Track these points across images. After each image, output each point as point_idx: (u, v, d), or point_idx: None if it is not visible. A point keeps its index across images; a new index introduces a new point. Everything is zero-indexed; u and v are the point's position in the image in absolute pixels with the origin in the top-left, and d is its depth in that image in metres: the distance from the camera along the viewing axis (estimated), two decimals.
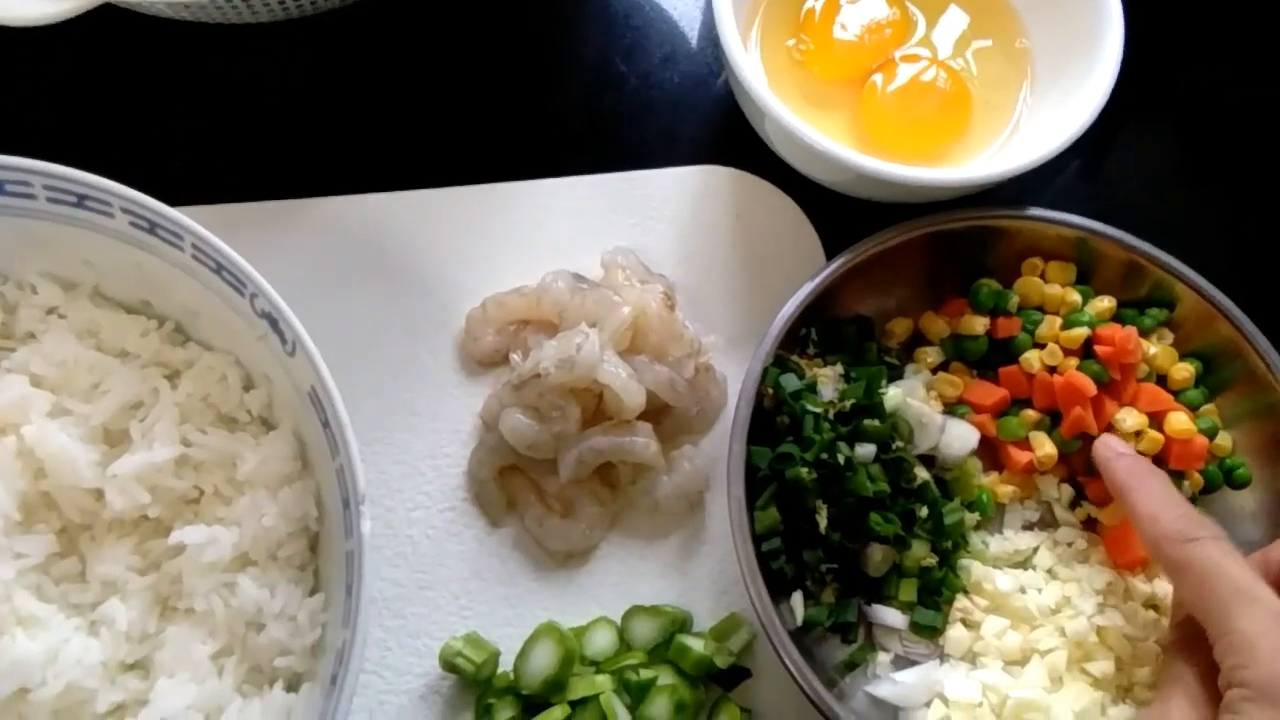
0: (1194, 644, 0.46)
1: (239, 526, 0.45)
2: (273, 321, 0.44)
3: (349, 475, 0.42)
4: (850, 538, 0.52)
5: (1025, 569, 0.55)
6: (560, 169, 0.64)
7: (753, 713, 0.54)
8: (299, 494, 0.46)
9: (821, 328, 0.57)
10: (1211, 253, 0.59)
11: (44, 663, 0.42)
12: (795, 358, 0.56)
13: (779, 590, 0.52)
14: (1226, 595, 0.42)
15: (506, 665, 0.54)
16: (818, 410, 0.52)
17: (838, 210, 0.61)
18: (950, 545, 0.54)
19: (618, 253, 0.60)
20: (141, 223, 0.45)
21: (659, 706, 0.52)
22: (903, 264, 0.58)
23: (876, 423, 0.52)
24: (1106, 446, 0.53)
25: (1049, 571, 0.55)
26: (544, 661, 0.52)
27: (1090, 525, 0.57)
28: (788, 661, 0.49)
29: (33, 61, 0.64)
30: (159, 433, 0.46)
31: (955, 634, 0.53)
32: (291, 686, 0.44)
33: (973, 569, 0.54)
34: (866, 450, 0.52)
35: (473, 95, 0.66)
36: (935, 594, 0.54)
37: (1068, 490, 0.58)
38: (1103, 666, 0.51)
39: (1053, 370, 0.57)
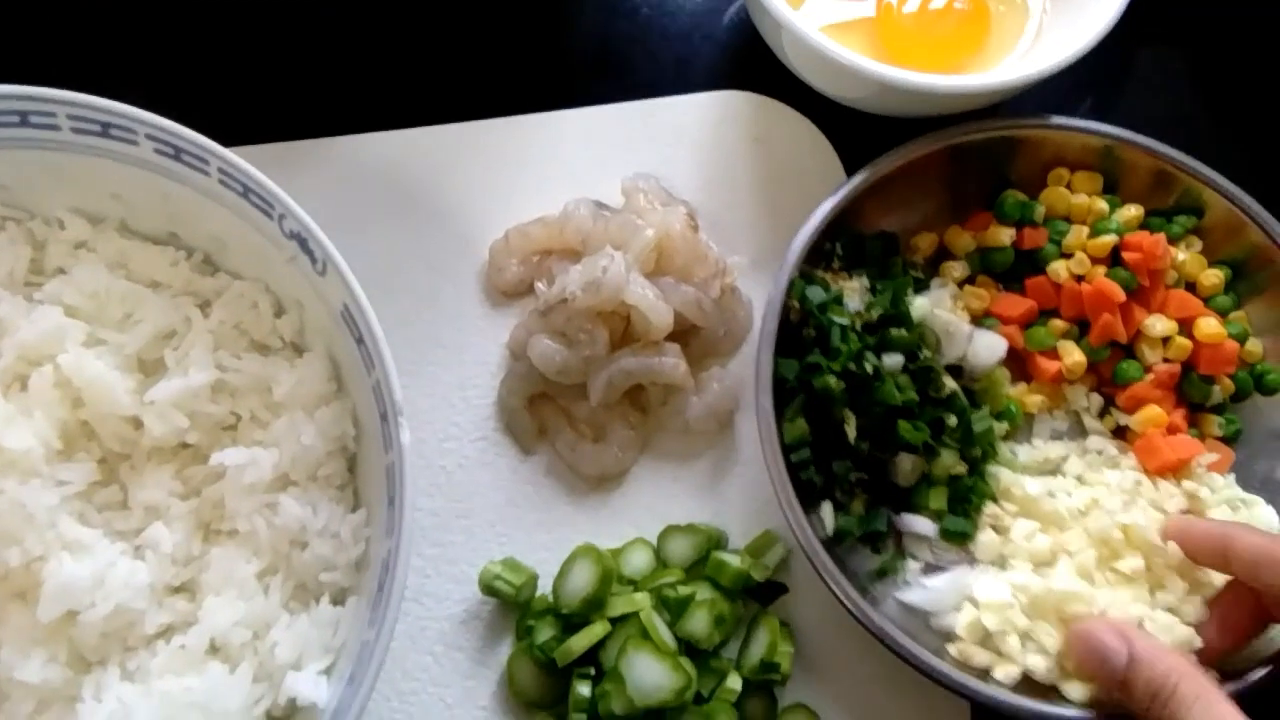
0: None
1: (278, 448, 0.45)
2: (302, 242, 0.44)
3: (386, 389, 0.42)
4: (879, 447, 0.52)
5: (1055, 476, 0.55)
6: (576, 100, 0.64)
7: (790, 626, 0.55)
8: (336, 414, 0.47)
9: (846, 243, 0.57)
10: (1237, 173, 0.58)
11: (92, 586, 0.42)
12: (820, 272, 0.56)
13: (809, 501, 0.52)
14: None
15: (545, 589, 0.55)
16: (844, 321, 0.52)
17: (857, 131, 0.61)
18: (979, 454, 0.54)
19: (638, 178, 0.60)
20: (166, 149, 0.45)
21: (698, 620, 0.52)
22: (926, 178, 0.58)
23: (903, 332, 0.52)
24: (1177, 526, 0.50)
25: (1079, 478, 0.55)
26: (582, 581, 0.53)
27: (1120, 434, 0.57)
28: (820, 569, 0.49)
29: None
30: (194, 359, 0.46)
31: (985, 539, 0.53)
32: (337, 601, 0.45)
33: (1001, 475, 0.54)
34: (894, 360, 0.52)
35: (488, 28, 0.66)
36: (964, 502, 0.54)
37: (1097, 399, 0.57)
38: (1132, 563, 0.51)
39: (1080, 280, 0.57)
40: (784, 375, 0.52)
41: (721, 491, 0.57)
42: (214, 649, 0.43)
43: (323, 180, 0.61)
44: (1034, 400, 0.56)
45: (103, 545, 0.44)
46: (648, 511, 0.57)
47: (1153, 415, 0.55)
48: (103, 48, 0.64)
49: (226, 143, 0.59)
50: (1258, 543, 0.44)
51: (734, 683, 0.52)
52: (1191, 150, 0.58)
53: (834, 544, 0.52)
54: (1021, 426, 0.57)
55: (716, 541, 0.55)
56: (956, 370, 0.56)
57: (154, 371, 0.47)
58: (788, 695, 0.54)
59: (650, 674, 0.50)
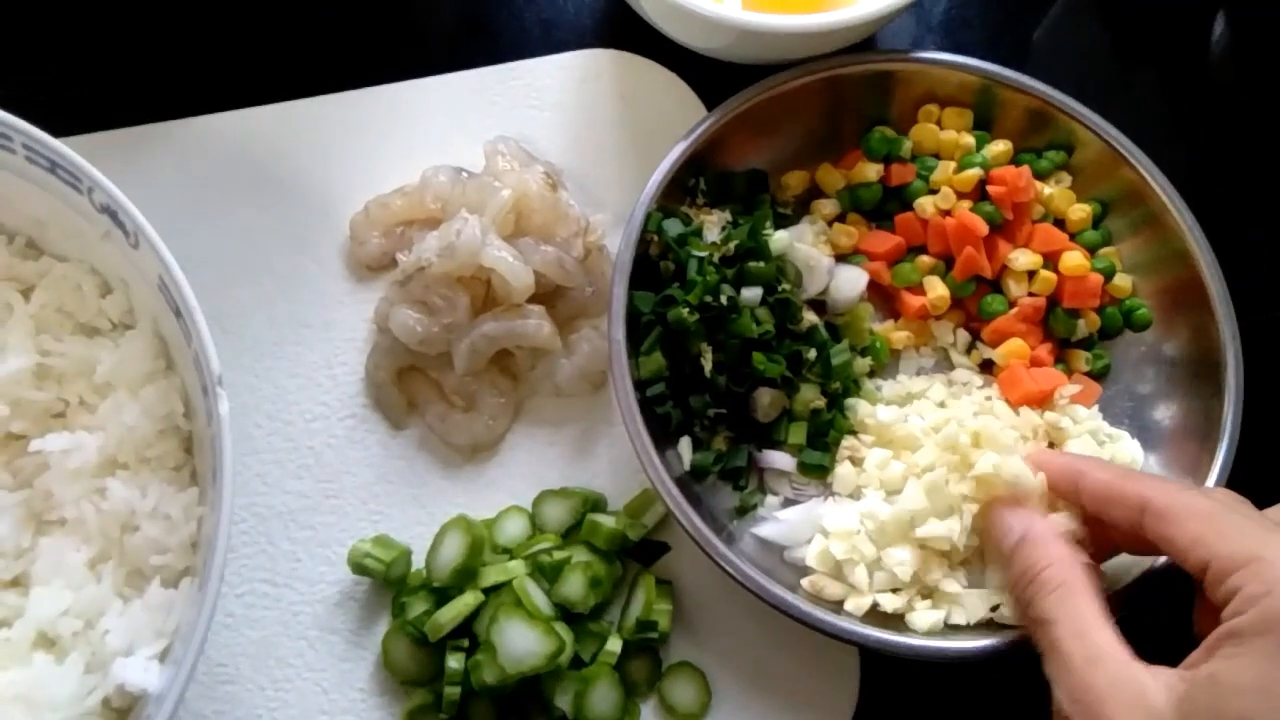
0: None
1: (103, 430, 0.44)
2: (113, 215, 0.43)
3: (204, 358, 0.41)
4: (737, 381, 0.52)
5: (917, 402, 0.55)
6: (440, 67, 0.63)
7: (673, 585, 0.53)
8: (162, 391, 0.45)
9: (711, 178, 0.56)
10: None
11: None
12: (684, 208, 0.55)
13: (668, 438, 0.52)
14: (1249, 532, 0.39)
15: (420, 565, 0.53)
16: (702, 254, 0.52)
17: (724, 84, 0.60)
18: (839, 388, 0.54)
19: (499, 141, 0.59)
20: None
21: (573, 583, 0.51)
22: (796, 114, 0.57)
23: (761, 265, 0.52)
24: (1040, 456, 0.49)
25: (940, 404, 0.54)
26: (452, 552, 0.51)
27: (987, 369, 0.56)
28: (668, 501, 0.49)
29: None
30: (12, 344, 0.44)
31: (842, 471, 0.53)
32: (171, 584, 0.43)
33: (858, 407, 0.54)
34: (752, 293, 0.51)
35: None
36: (823, 436, 0.53)
37: (964, 335, 0.57)
38: (984, 463, 0.49)
39: (947, 215, 0.56)
40: (640, 308, 0.52)
41: (598, 454, 0.56)
42: (47, 641, 0.42)
43: (174, 164, 0.59)
44: (900, 336, 0.56)
45: None
46: (524, 479, 0.56)
47: (1015, 348, 0.55)
48: None
49: (67, 131, 0.58)
50: (1106, 479, 0.44)
51: (614, 645, 0.51)
52: (1084, 91, 0.57)
53: (694, 480, 0.52)
54: (889, 363, 0.56)
55: (593, 504, 0.54)
56: (820, 305, 0.55)
57: None
58: (673, 654, 0.53)
59: (521, 640, 0.48)
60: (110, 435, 0.43)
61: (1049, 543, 0.44)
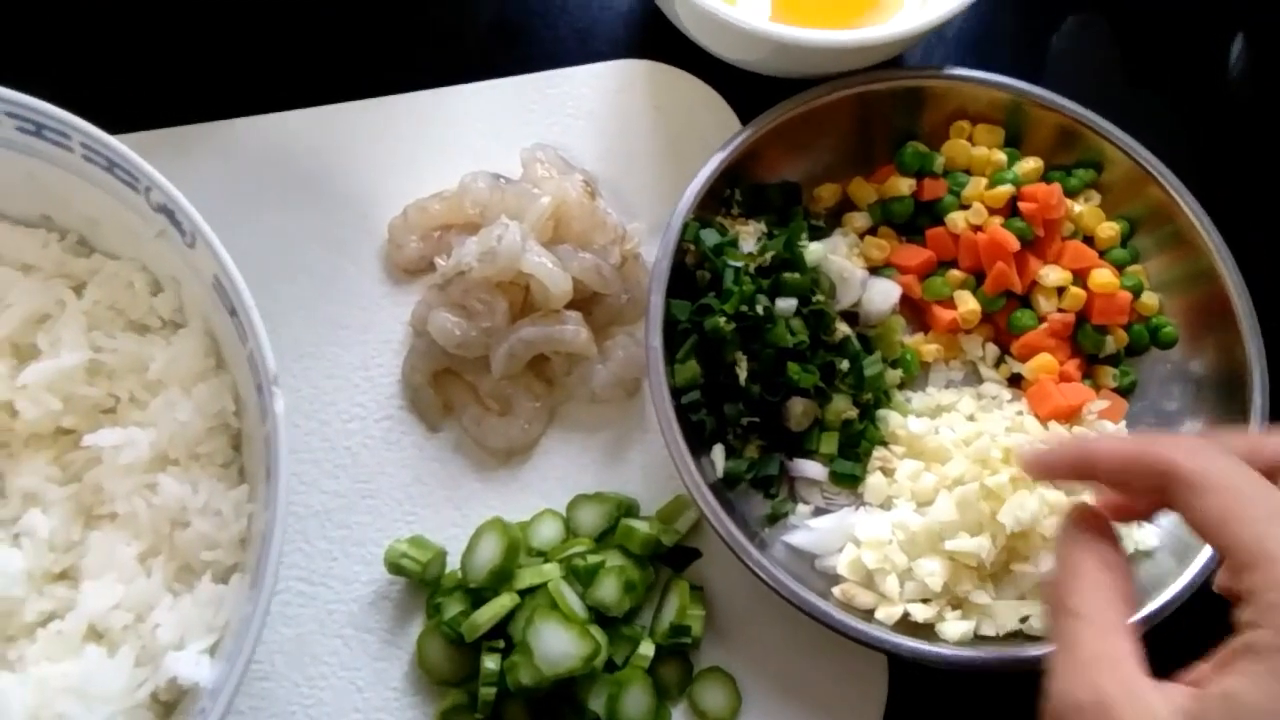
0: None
1: (155, 427, 0.44)
2: (170, 214, 0.43)
3: (259, 358, 0.41)
4: (771, 391, 0.52)
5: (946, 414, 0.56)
6: (475, 74, 0.64)
7: (704, 590, 0.54)
8: (214, 389, 0.46)
9: (746, 190, 0.57)
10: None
11: None
12: (720, 218, 0.56)
13: (701, 445, 0.53)
14: (1264, 514, 0.35)
15: (454, 566, 0.54)
16: (738, 264, 0.53)
17: (759, 96, 0.61)
18: (871, 399, 0.54)
19: (536, 148, 0.60)
20: (27, 125, 0.44)
21: (608, 587, 0.51)
22: (829, 128, 0.58)
23: (797, 275, 0.52)
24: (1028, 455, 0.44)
25: (969, 417, 0.55)
26: (489, 554, 0.52)
27: (1015, 383, 0.57)
28: (704, 507, 0.49)
29: None
30: (66, 340, 0.45)
31: (874, 481, 0.53)
32: (221, 579, 0.44)
33: (890, 418, 0.54)
34: (787, 303, 0.52)
35: (383, 4, 0.65)
36: (855, 446, 0.54)
37: (992, 349, 0.58)
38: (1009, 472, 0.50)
39: (978, 230, 0.57)
40: (676, 316, 0.52)
41: (631, 459, 0.57)
42: (96, 634, 0.42)
43: (217, 164, 0.60)
44: (930, 349, 0.57)
45: None
46: (557, 483, 0.56)
47: (1045, 363, 0.56)
48: None
49: (115, 129, 0.58)
50: (1118, 446, 0.40)
51: (646, 649, 0.52)
52: (1102, 109, 0.58)
53: (726, 488, 0.52)
54: (918, 375, 0.57)
55: (626, 509, 0.55)
56: (852, 317, 0.56)
57: (27, 357, 0.46)
58: (704, 660, 0.54)
59: (557, 643, 0.49)
60: (162, 431, 0.44)
61: (1102, 538, 0.40)
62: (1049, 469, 0.43)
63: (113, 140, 0.43)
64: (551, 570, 0.52)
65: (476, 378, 0.57)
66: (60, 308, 0.46)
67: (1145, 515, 0.44)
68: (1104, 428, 0.54)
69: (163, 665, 0.41)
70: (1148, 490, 0.39)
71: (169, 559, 0.44)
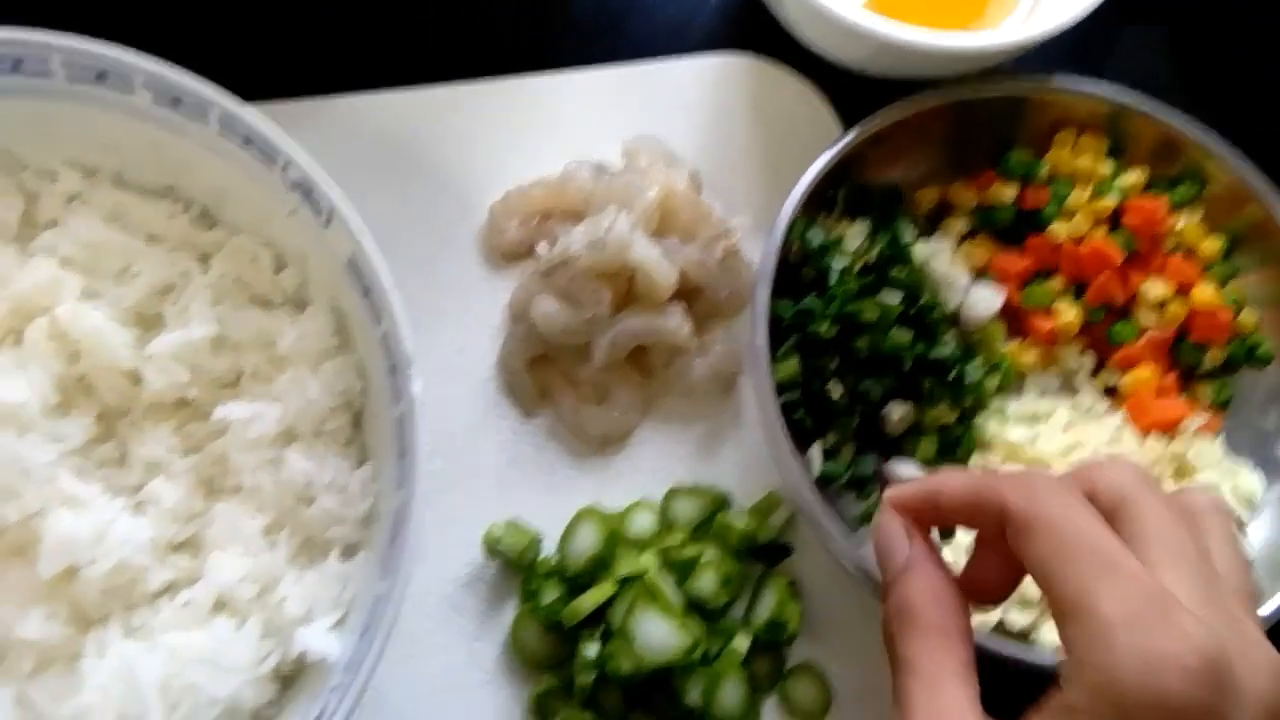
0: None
1: (282, 402, 0.44)
2: (306, 192, 0.43)
3: (395, 340, 0.41)
4: (870, 393, 0.52)
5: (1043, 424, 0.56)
6: (572, 61, 0.63)
7: (797, 586, 0.54)
8: (340, 368, 0.46)
9: (849, 191, 0.57)
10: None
11: (92, 542, 0.41)
12: (823, 218, 0.56)
13: (798, 445, 0.52)
14: (1086, 558, 0.33)
15: (547, 553, 0.54)
16: (843, 264, 0.53)
17: (857, 96, 0.61)
18: (970, 404, 0.55)
19: (640, 139, 0.60)
20: (164, 97, 0.44)
21: (706, 580, 0.52)
22: (929, 133, 0.58)
23: (904, 271, 0.53)
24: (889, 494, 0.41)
25: (1065, 427, 0.55)
26: (588, 541, 0.52)
27: (1110, 395, 0.57)
28: (807, 505, 0.50)
29: None
30: (194, 312, 0.45)
31: None
32: (346, 556, 0.44)
33: (988, 425, 0.55)
34: (892, 299, 0.52)
35: None
36: (952, 451, 0.54)
37: (1089, 359, 0.58)
38: None
39: (1079, 241, 0.57)
40: (780, 315, 0.53)
41: (724, 454, 0.57)
42: (219, 605, 0.42)
43: (315, 142, 0.57)
44: (1027, 358, 0.57)
45: (102, 501, 0.42)
46: (651, 474, 0.56)
47: (1144, 376, 0.56)
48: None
49: None
50: (959, 485, 0.38)
51: (741, 643, 0.52)
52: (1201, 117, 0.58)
53: (820, 488, 0.53)
54: (1014, 383, 0.57)
55: (721, 502, 0.55)
56: (952, 321, 0.56)
57: (152, 326, 0.46)
58: (794, 656, 0.54)
59: (658, 633, 0.49)
60: (289, 407, 0.44)
61: (935, 575, 0.38)
62: (902, 505, 0.40)
63: (253, 114, 0.43)
64: (648, 561, 0.52)
65: (574, 366, 0.57)
66: (186, 279, 0.46)
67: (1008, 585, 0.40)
68: (1202, 443, 0.55)
69: (293, 639, 0.41)
70: (990, 533, 0.38)
71: (293, 534, 0.44)
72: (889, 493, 0.41)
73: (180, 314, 0.45)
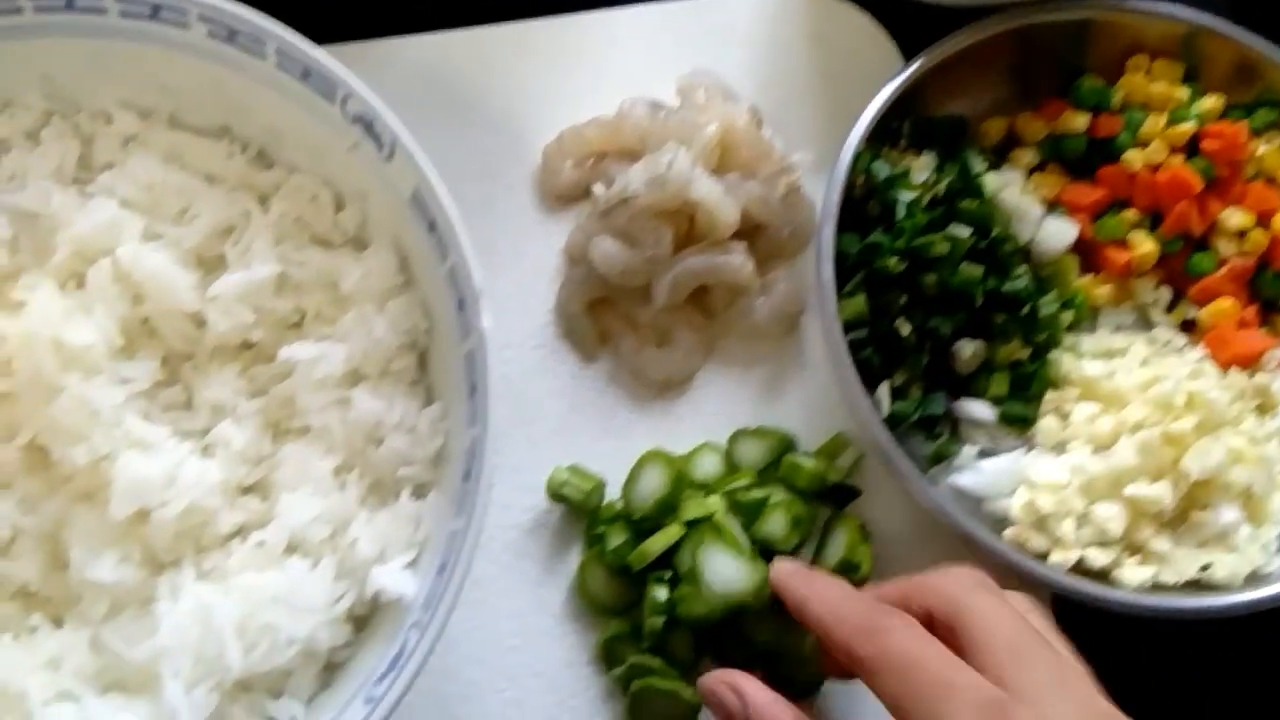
0: None
1: (347, 342, 0.44)
2: (367, 125, 0.42)
3: (463, 273, 0.40)
4: (939, 329, 0.51)
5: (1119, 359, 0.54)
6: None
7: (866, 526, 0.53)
8: (406, 306, 0.45)
9: (914, 123, 0.55)
10: None
11: (163, 484, 0.41)
12: (888, 150, 0.55)
13: (866, 383, 0.51)
14: (926, 688, 0.35)
15: (610, 497, 0.53)
16: (910, 196, 0.51)
17: (918, 27, 0.59)
18: (1043, 339, 0.53)
19: (696, 74, 0.58)
20: (220, 31, 0.43)
21: (775, 522, 0.51)
22: (996, 63, 0.56)
23: (975, 203, 0.51)
24: (775, 570, 0.46)
25: (1143, 362, 0.53)
26: (654, 484, 0.51)
27: (1187, 329, 0.55)
28: (881, 443, 0.48)
29: None
30: (256, 252, 0.44)
31: (1046, 424, 0.52)
32: (418, 496, 0.43)
33: (1062, 360, 0.53)
34: (963, 232, 0.50)
35: None
36: (1025, 388, 0.53)
37: (1165, 293, 0.56)
38: (1188, 420, 0.49)
39: (1155, 170, 0.55)
40: (846, 250, 0.51)
41: (789, 395, 0.56)
42: (292, 548, 0.42)
43: (369, 84, 0.58)
44: (1101, 292, 0.55)
45: (171, 444, 0.42)
46: (714, 417, 0.55)
47: (1225, 308, 0.54)
48: None
49: None
50: (825, 608, 0.41)
51: None
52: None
53: (889, 427, 0.51)
54: (1088, 318, 0.55)
55: (788, 444, 0.54)
56: (1024, 255, 0.54)
57: (214, 268, 0.45)
58: None
59: (729, 572, 0.49)
60: (355, 347, 0.43)
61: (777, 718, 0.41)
62: (782, 589, 0.44)
63: (311, 47, 0.42)
64: (715, 503, 0.51)
65: (635, 308, 0.56)
66: (246, 219, 0.46)
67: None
68: None
69: (367, 578, 0.41)
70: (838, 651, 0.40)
71: (363, 474, 0.43)
72: (781, 567, 0.45)
73: (242, 255, 0.44)
